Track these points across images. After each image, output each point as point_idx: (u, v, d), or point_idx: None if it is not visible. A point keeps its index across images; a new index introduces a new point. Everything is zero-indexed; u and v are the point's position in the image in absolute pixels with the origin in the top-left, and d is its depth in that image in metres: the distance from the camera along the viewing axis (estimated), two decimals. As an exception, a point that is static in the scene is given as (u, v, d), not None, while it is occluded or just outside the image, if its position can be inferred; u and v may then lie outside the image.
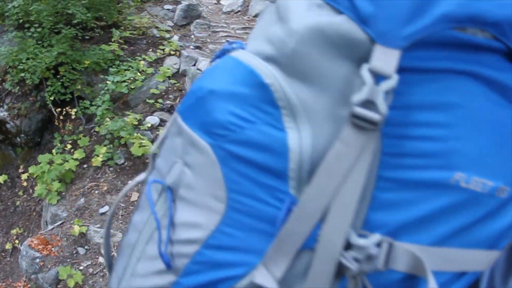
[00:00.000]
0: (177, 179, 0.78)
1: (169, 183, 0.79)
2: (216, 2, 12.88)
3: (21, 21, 8.08)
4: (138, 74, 8.06)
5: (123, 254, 0.89)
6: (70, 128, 8.10)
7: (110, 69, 8.00)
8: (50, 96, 7.84)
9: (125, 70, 8.00)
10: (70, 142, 7.83)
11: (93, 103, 7.81)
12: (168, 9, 10.58)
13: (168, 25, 10.01)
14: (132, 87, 7.88)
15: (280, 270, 0.69)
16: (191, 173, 0.76)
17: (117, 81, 7.73)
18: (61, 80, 7.92)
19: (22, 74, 7.71)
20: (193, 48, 9.18)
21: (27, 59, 7.68)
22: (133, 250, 0.85)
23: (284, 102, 0.69)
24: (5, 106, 8.08)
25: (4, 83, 8.07)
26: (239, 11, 12.12)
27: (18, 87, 8.02)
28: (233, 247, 0.72)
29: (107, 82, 7.76)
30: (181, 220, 0.76)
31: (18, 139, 8.22)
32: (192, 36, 9.91)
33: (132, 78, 7.86)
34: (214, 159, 0.72)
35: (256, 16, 11.72)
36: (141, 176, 0.97)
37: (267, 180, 0.69)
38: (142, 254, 0.83)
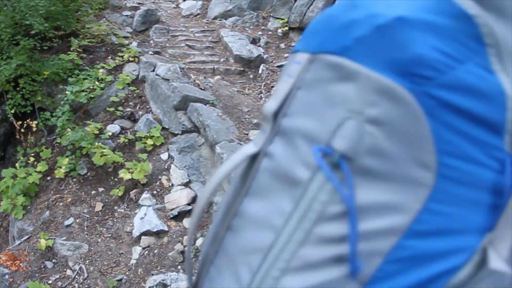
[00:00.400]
0: (354, 143, 0.54)
1: (341, 150, 0.54)
2: (175, 6, 12.84)
3: (-23, 33, 7.94)
4: (97, 82, 7.95)
5: (234, 266, 0.60)
6: (32, 140, 7.98)
7: (69, 79, 7.88)
8: (11, 109, 7.72)
9: (84, 79, 7.88)
10: (33, 154, 7.71)
11: (53, 114, 7.70)
12: (127, 15, 10.48)
13: (127, 32, 9.91)
14: (92, 96, 7.76)
15: (506, 249, 0.55)
16: (380, 132, 0.53)
17: (76, 91, 7.61)
18: (21, 92, 7.81)
19: (-20, 90, 7.59)
20: (152, 53, 9.09)
21: (-15, 72, 7.58)
22: (265, 258, 0.56)
23: (492, 39, 0.54)
24: (-34, 118, 7.93)
25: None
26: (198, 14, 12.08)
27: (-23, 102, 7.87)
28: (445, 230, 0.54)
29: (66, 92, 7.64)
30: (368, 202, 0.53)
31: (-20, 153, 8.06)
32: (151, 42, 9.83)
33: (90, 88, 7.74)
34: (418, 110, 0.52)
35: (215, 18, 11.70)
36: (249, 147, 0.64)
37: (483, 136, 0.54)
38: (291, 262, 0.55)
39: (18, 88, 7.84)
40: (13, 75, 7.63)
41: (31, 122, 7.81)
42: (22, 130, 7.89)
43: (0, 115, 7.92)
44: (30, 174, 7.16)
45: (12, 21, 7.77)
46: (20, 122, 7.85)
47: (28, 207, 7.13)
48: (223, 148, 6.12)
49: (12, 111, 7.72)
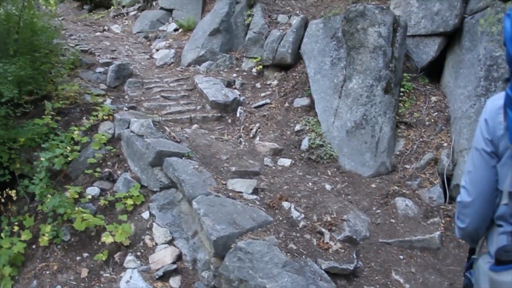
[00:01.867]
0: None
1: None
2: (149, 57, 12.81)
3: None
4: (72, 146, 7.80)
5: None
6: (15, 209, 7.79)
7: (43, 145, 7.74)
8: None
9: (57, 145, 7.73)
10: (16, 223, 7.50)
11: (32, 181, 7.52)
12: (100, 72, 10.40)
13: (101, 89, 9.79)
14: (68, 160, 7.62)
15: None
16: None
17: (50, 158, 7.46)
18: (-2, 161, 7.67)
19: (-45, 164, 7.44)
20: (127, 109, 8.98)
21: (-41, 144, 7.43)
22: None
23: None
24: None
25: None
26: (171, 62, 12.06)
27: (-45, 175, 7.71)
28: None
29: (41, 159, 7.49)
30: None
31: (-36, 225, 7.88)
32: (126, 97, 9.73)
33: (63, 154, 7.59)
34: None
35: (189, 65, 11.66)
36: None
37: None
38: None
39: (-6, 158, 7.69)
40: (-12, 147, 7.50)
41: (10, 192, 7.63)
42: (3, 200, 7.71)
43: (-21, 185, 7.76)
44: (15, 244, 6.99)
45: (-19, 89, 7.66)
46: (0, 192, 7.67)
47: (16, 277, 6.96)
48: (200, 203, 5.96)
49: (-10, 181, 7.56)
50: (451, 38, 8.71)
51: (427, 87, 8.67)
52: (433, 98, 8.38)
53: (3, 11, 8.47)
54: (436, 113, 8.11)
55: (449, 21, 8.49)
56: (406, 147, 7.78)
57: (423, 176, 7.22)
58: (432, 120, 8.05)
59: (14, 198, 7.58)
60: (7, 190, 7.58)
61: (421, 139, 7.75)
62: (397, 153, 7.81)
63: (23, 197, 7.74)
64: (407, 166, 7.49)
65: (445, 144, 7.47)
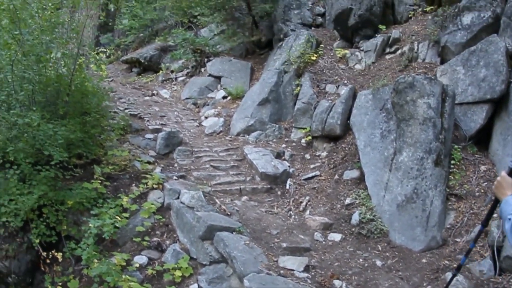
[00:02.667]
0: None
1: None
2: (198, 124, 12.89)
3: (0, 161, 7.90)
4: (122, 214, 7.81)
5: None
6: (60, 269, 7.75)
7: (92, 211, 7.76)
8: (36, 238, 7.57)
9: (107, 212, 7.73)
10: (60, 284, 7.49)
11: (79, 245, 7.52)
12: (149, 139, 10.48)
13: (151, 155, 9.86)
14: (118, 225, 7.60)
15: None
16: None
17: (99, 226, 7.46)
18: (46, 222, 7.69)
19: (4, 219, 7.47)
20: (177, 178, 8.99)
21: (10, 200, 7.48)
22: None
23: None
24: (-7, 247, 7.79)
25: None
26: (220, 131, 12.10)
27: (3, 229, 7.73)
28: None
29: (90, 225, 7.49)
30: None
31: (10, 279, 7.87)
32: (176, 165, 9.76)
33: (112, 223, 7.57)
34: None
35: (238, 134, 11.69)
36: None
37: None
38: None
39: (42, 218, 7.73)
40: (36, 205, 7.57)
41: (56, 253, 7.63)
42: (48, 261, 7.70)
43: (26, 242, 7.78)
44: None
45: (33, 149, 7.74)
46: (46, 253, 7.66)
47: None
48: (252, 281, 5.86)
49: (37, 241, 7.58)
50: (498, 104, 8.53)
51: (476, 155, 8.46)
52: (482, 167, 8.17)
53: (54, 72, 8.60)
54: (486, 183, 7.89)
55: (495, 87, 8.33)
56: (456, 220, 7.57)
57: (473, 249, 6.99)
58: (482, 191, 7.84)
59: (60, 259, 7.57)
60: (53, 251, 7.58)
61: (471, 211, 7.53)
62: (448, 226, 7.60)
63: (68, 258, 7.72)
64: (458, 240, 7.28)
65: (495, 215, 7.25)
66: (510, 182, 3.03)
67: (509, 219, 2.81)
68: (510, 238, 2.84)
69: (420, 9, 12.37)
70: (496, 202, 3.30)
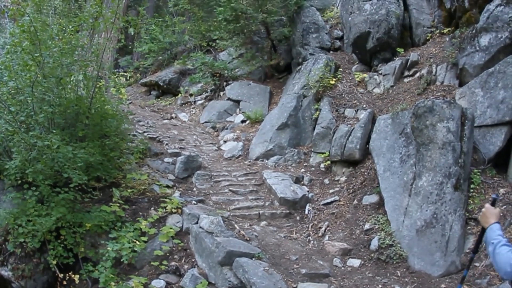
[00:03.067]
0: None
1: None
2: (217, 148, 12.92)
3: (19, 182, 7.96)
4: (140, 237, 7.81)
5: None
6: (77, 291, 7.77)
7: (111, 234, 7.78)
8: (53, 259, 7.58)
9: (125, 235, 7.74)
10: (77, 306, 7.52)
11: (97, 267, 7.52)
12: (168, 162, 10.52)
13: (169, 179, 9.88)
14: (136, 249, 7.59)
15: None
16: None
17: (117, 250, 7.47)
18: (63, 243, 7.71)
19: (22, 240, 7.52)
20: (196, 202, 8.99)
21: (28, 221, 7.54)
22: None
23: None
24: (9, 266, 7.81)
25: (6, 243, 7.81)
26: (239, 155, 12.11)
27: (20, 249, 7.76)
28: None
29: (108, 248, 7.51)
30: None
31: (25, 298, 7.88)
32: (194, 189, 9.77)
33: (130, 247, 7.58)
34: None
35: (257, 159, 11.69)
36: None
37: None
38: None
39: (59, 240, 7.75)
40: (54, 226, 7.59)
41: (73, 275, 7.64)
42: (64, 282, 7.70)
43: (42, 263, 7.78)
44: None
45: (51, 171, 7.78)
46: (62, 274, 7.67)
47: None
48: (272, 308, 5.80)
49: (54, 262, 7.58)
50: None
51: (495, 178, 8.35)
52: (501, 190, 8.06)
53: (73, 95, 8.68)
54: (505, 206, 7.78)
55: None
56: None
57: (492, 273, 6.87)
58: (501, 214, 7.73)
59: (77, 281, 7.58)
60: (70, 273, 7.60)
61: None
62: (467, 250, 7.51)
63: (85, 280, 7.70)
64: (477, 264, 7.17)
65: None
66: (493, 212, 3.66)
67: (492, 243, 3.44)
68: (492, 259, 3.42)
69: (438, 31, 12.37)
70: (483, 231, 3.74)
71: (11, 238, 7.70)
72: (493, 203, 3.76)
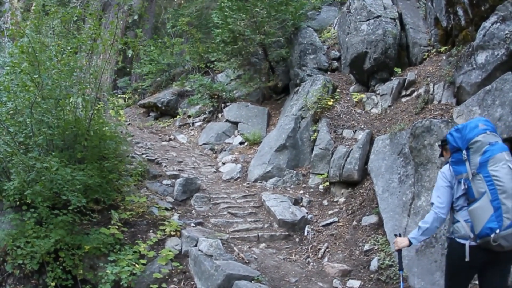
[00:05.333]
0: None
1: None
2: (215, 170, 12.91)
3: (18, 203, 7.96)
4: (139, 260, 7.77)
5: None
6: (75, 313, 7.72)
7: (110, 257, 7.73)
8: (52, 281, 7.52)
9: (124, 258, 7.70)
10: (76, 330, 7.47)
11: (96, 289, 7.50)
12: (167, 185, 10.49)
13: (168, 201, 9.86)
14: (135, 272, 7.55)
15: None
16: None
17: (116, 272, 7.43)
18: (62, 265, 7.67)
19: (20, 261, 7.48)
20: (194, 225, 8.97)
21: (27, 242, 7.52)
22: None
23: None
24: (8, 287, 7.74)
25: (5, 264, 7.76)
26: (238, 177, 12.10)
27: (18, 270, 7.70)
28: None
29: (107, 271, 7.47)
30: None
31: (23, 320, 7.81)
32: (193, 212, 9.75)
33: (129, 271, 7.54)
34: None
35: (255, 181, 11.67)
36: None
37: None
38: None
39: (58, 262, 7.70)
40: (53, 248, 7.56)
41: (72, 300, 7.61)
42: (63, 305, 7.67)
43: (41, 285, 7.71)
44: None
45: (50, 193, 7.76)
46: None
47: None
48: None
49: (53, 284, 7.52)
50: None
51: (493, 197, 8.35)
52: (500, 208, 8.05)
53: (72, 116, 8.69)
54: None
55: None
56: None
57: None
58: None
59: (75, 304, 7.55)
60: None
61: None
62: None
63: (84, 302, 7.64)
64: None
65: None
66: (401, 238, 5.31)
67: (418, 229, 5.11)
68: (425, 228, 5.04)
69: (434, 49, 12.39)
70: (400, 251, 5.45)
71: (9, 259, 7.65)
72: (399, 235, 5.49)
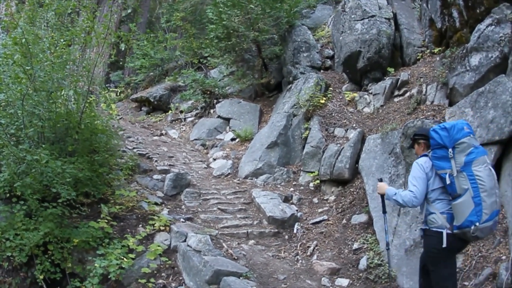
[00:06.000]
0: None
1: None
2: (206, 166, 12.89)
3: (7, 195, 7.91)
4: (128, 254, 7.75)
5: None
6: (63, 307, 7.68)
7: (98, 250, 7.71)
8: (40, 274, 7.48)
9: (112, 252, 7.68)
10: (63, 323, 7.43)
11: (84, 283, 7.45)
12: (157, 179, 10.46)
13: (158, 196, 9.84)
14: (124, 266, 7.53)
15: None
16: None
17: (105, 266, 7.40)
18: (51, 258, 7.64)
19: (9, 253, 7.43)
20: (184, 220, 8.95)
21: (16, 234, 7.48)
22: None
23: None
24: (-5, 280, 7.71)
25: None
26: (229, 173, 12.08)
27: (7, 263, 7.63)
28: None
29: (95, 265, 7.44)
30: None
31: (11, 315, 7.78)
32: (183, 207, 9.73)
33: (118, 264, 7.51)
34: None
35: (246, 177, 11.66)
36: None
37: None
38: None
39: (47, 255, 7.68)
40: (42, 241, 7.54)
41: (59, 292, 7.58)
42: (51, 298, 7.63)
43: (29, 277, 7.66)
44: None
45: (40, 185, 7.72)
46: (50, 289, 7.61)
47: None
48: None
49: (41, 277, 7.49)
50: (507, 145, 8.43)
51: (485, 197, 8.37)
52: (491, 208, 8.08)
53: (64, 109, 8.66)
54: (494, 224, 7.80)
55: (504, 128, 8.19)
56: (465, 264, 7.43)
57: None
58: (491, 230, 7.73)
59: (64, 298, 7.52)
60: (57, 288, 7.54)
61: (479, 254, 7.39)
62: (457, 270, 7.50)
63: (72, 296, 7.62)
64: (466, 283, 7.14)
65: (504, 257, 7.13)
66: (383, 184, 6.08)
67: (395, 194, 5.63)
68: (401, 201, 5.55)
69: (428, 50, 12.41)
70: (383, 197, 6.22)
71: (-3, 251, 7.63)
72: (381, 181, 6.24)
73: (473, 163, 5.24)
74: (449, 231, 5.35)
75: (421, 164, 5.57)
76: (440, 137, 5.37)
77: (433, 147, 5.51)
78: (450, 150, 5.32)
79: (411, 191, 5.48)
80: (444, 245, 5.32)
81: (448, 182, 5.31)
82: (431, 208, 5.52)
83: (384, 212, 6.51)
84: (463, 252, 7.56)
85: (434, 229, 5.46)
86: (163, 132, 16.27)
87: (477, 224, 5.17)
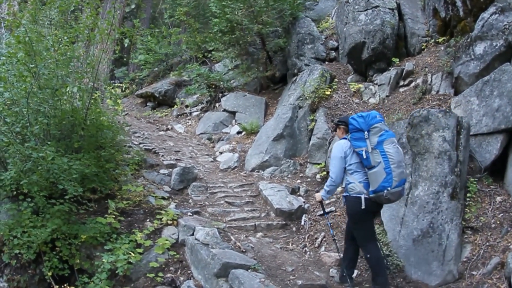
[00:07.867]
0: None
1: None
2: (213, 160, 12.89)
3: (14, 193, 7.93)
4: (136, 249, 7.75)
5: None
6: (73, 303, 7.69)
7: (106, 246, 7.72)
8: (48, 271, 7.50)
9: (120, 247, 7.69)
10: (73, 319, 7.43)
11: (92, 279, 7.45)
12: (164, 174, 10.48)
13: (165, 190, 9.85)
14: (132, 261, 7.54)
15: None
16: None
17: (112, 261, 7.42)
18: (59, 255, 7.65)
19: (17, 251, 7.46)
20: (191, 214, 8.95)
21: (23, 232, 7.48)
22: None
23: None
24: (4, 277, 7.75)
25: (2, 254, 7.72)
26: (235, 167, 12.08)
27: (15, 260, 7.65)
28: None
29: (103, 260, 7.45)
30: None
31: (21, 310, 7.81)
32: (190, 201, 9.73)
33: (126, 259, 7.52)
34: None
35: (252, 170, 11.65)
36: None
37: None
38: None
39: (55, 251, 7.68)
40: (50, 238, 7.55)
41: (68, 287, 7.54)
42: (60, 295, 7.65)
43: (38, 274, 7.69)
44: None
45: (47, 182, 7.74)
46: (58, 286, 7.58)
47: None
48: (268, 320, 5.75)
49: (50, 273, 7.51)
50: None
51: (491, 187, 8.28)
52: (498, 198, 8.01)
53: (69, 106, 8.67)
54: (502, 214, 7.73)
55: (510, 117, 8.15)
56: (472, 253, 7.42)
57: (489, 282, 6.81)
58: (498, 222, 7.68)
59: (73, 293, 7.52)
60: (65, 285, 7.53)
61: (487, 243, 7.38)
62: (464, 259, 7.44)
63: (81, 291, 7.64)
64: (474, 273, 7.12)
65: (511, 246, 7.13)
66: (317, 194, 7.40)
67: (324, 191, 7.10)
68: (327, 191, 7.07)
69: (433, 40, 12.38)
70: (322, 202, 7.52)
71: (6, 249, 7.61)
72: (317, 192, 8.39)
73: (384, 142, 6.54)
74: (366, 196, 6.65)
75: (341, 145, 6.92)
76: (358, 123, 6.66)
77: (351, 131, 6.78)
78: (366, 132, 6.60)
79: (330, 177, 6.91)
80: (363, 206, 6.63)
81: (364, 157, 6.59)
82: (350, 179, 6.81)
83: (325, 213, 7.82)
84: (471, 242, 7.55)
85: (354, 195, 6.74)
86: (169, 127, 16.28)
87: (389, 188, 6.42)
